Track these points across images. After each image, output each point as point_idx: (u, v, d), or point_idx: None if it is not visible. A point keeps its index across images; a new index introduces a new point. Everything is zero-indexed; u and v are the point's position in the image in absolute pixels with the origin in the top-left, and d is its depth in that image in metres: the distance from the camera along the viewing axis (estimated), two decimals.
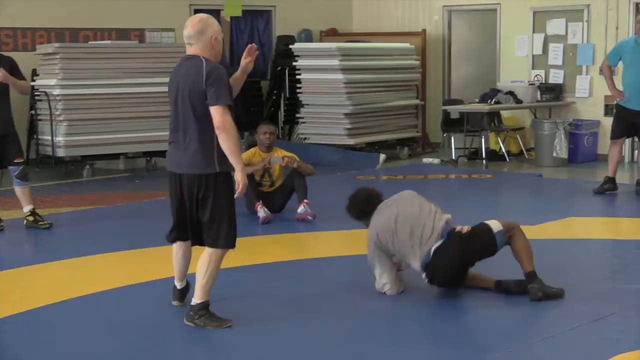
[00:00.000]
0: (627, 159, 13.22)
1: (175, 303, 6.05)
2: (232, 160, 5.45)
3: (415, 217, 6.21)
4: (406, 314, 6.06)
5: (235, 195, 5.54)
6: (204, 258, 5.65)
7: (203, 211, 5.61)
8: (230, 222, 5.63)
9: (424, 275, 6.18)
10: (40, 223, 8.74)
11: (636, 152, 13.09)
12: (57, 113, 12.11)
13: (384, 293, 6.27)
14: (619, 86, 10.45)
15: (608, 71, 10.58)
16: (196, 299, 5.64)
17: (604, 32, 13.38)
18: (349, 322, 5.85)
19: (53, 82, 12.13)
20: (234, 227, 5.66)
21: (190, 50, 5.64)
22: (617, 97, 10.41)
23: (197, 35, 5.58)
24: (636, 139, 11.16)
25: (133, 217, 9.52)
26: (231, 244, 5.68)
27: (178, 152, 5.67)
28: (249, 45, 5.95)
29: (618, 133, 10.49)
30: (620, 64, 10.50)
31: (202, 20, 5.62)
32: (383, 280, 6.27)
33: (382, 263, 6.28)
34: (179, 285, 6.05)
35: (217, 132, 5.42)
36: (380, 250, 6.26)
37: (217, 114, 5.41)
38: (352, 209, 6.56)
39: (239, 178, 5.45)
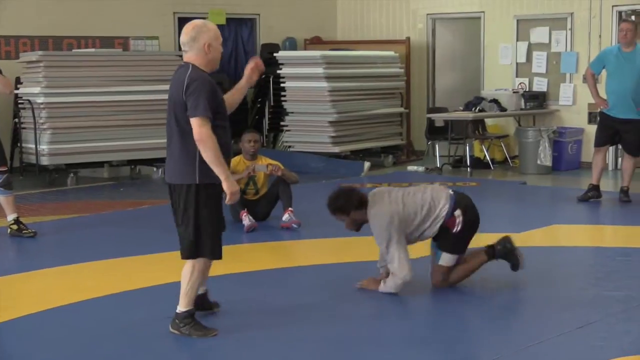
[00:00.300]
0: (611, 166, 13.28)
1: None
2: (216, 170, 5.41)
3: (417, 189, 6.47)
4: (391, 321, 6.07)
5: (226, 202, 5.53)
6: (187, 266, 5.64)
7: (184, 221, 5.58)
8: (213, 233, 5.60)
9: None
10: (25, 232, 8.71)
11: (620, 159, 13.14)
12: (41, 121, 12.08)
13: (399, 284, 6.33)
14: (603, 94, 10.51)
15: (591, 79, 10.64)
16: (180, 307, 5.63)
17: (587, 40, 13.45)
18: (333, 329, 5.84)
19: (37, 90, 12.09)
20: (217, 238, 5.63)
21: (185, 58, 5.62)
22: (601, 105, 10.46)
23: (190, 42, 5.56)
24: (619, 146, 11.20)
25: (117, 225, 9.49)
26: (216, 255, 5.66)
27: (168, 161, 5.66)
28: (256, 60, 5.95)
29: (602, 141, 10.55)
30: (604, 72, 10.55)
31: (196, 27, 5.57)
32: (405, 267, 6.28)
33: (402, 247, 6.29)
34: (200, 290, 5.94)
35: (197, 144, 5.39)
36: (400, 234, 6.29)
37: (195, 125, 5.36)
38: (351, 200, 6.41)
39: (226, 188, 5.43)
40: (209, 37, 5.59)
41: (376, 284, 6.47)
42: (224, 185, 5.43)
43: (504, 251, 6.64)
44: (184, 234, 5.59)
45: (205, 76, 5.55)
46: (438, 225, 6.39)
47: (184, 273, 5.63)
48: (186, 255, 5.63)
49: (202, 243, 5.58)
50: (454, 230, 6.42)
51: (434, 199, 6.41)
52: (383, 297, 6.34)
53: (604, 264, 7.57)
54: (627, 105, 10.22)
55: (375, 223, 6.32)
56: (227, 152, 5.62)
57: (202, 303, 5.92)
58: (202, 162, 5.44)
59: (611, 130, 10.42)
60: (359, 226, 6.51)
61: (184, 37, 5.57)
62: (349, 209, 6.38)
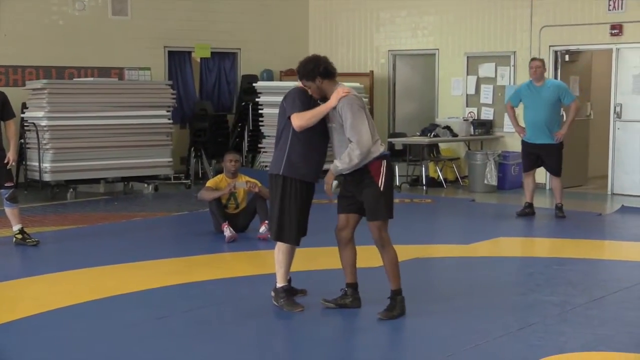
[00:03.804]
0: (548, 185, 13.36)
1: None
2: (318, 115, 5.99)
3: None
4: (344, 323, 6.03)
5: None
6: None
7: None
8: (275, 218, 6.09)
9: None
10: (28, 240, 8.64)
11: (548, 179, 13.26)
12: (44, 142, 12.02)
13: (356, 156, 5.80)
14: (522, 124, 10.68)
15: (511, 111, 10.88)
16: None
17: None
18: (302, 329, 5.85)
19: (41, 114, 12.04)
20: (279, 223, 6.05)
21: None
22: (520, 134, 10.67)
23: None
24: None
25: (112, 235, 9.44)
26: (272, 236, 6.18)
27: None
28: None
29: (527, 166, 10.69)
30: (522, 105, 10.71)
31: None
32: (368, 137, 5.79)
33: (366, 121, 5.84)
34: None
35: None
36: (365, 115, 5.87)
37: None
38: (318, 68, 5.94)
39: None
40: None
41: (330, 174, 6.02)
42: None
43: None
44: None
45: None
46: (372, 156, 5.87)
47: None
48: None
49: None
50: (379, 184, 5.90)
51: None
52: (342, 311, 6.27)
53: (542, 272, 7.61)
54: (543, 132, 10.37)
55: (344, 100, 5.87)
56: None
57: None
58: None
59: (533, 155, 10.55)
60: (322, 96, 6.02)
61: None
62: (314, 75, 5.95)
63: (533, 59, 10.78)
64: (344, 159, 5.87)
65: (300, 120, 5.90)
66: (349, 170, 5.92)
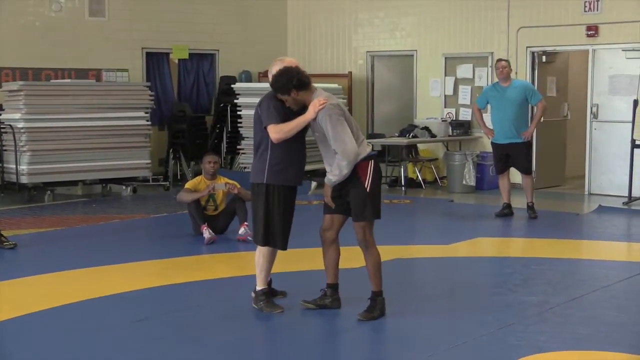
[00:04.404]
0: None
1: None
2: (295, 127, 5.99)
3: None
4: (325, 324, 6.01)
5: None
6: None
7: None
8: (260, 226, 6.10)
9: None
10: (5, 243, 8.56)
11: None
12: (21, 144, 11.92)
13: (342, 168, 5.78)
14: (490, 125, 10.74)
15: (478, 113, 10.96)
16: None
17: None
18: (282, 331, 5.83)
19: (17, 116, 11.94)
20: (265, 230, 6.06)
21: None
22: (488, 135, 10.73)
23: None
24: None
25: (90, 237, 9.38)
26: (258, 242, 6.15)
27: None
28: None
29: (500, 168, 10.75)
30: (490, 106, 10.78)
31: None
32: (353, 144, 5.75)
33: (348, 128, 5.80)
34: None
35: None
36: (345, 121, 5.81)
37: None
38: (291, 81, 5.85)
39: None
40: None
41: (327, 188, 5.98)
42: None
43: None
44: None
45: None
46: (359, 158, 5.84)
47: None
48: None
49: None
50: (365, 185, 5.88)
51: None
52: (322, 312, 6.27)
53: (521, 272, 7.63)
54: (510, 132, 10.45)
55: (322, 112, 5.83)
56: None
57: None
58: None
59: (503, 156, 10.61)
60: (299, 106, 5.95)
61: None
62: (289, 89, 5.86)
63: (499, 60, 10.84)
64: (334, 171, 5.88)
65: (278, 133, 5.91)
66: (344, 178, 5.88)
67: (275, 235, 6.04)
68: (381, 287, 5.98)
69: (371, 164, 5.93)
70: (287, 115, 5.94)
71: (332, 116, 5.81)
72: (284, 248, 6.13)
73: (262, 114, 5.99)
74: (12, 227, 9.66)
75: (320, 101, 5.86)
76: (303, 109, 5.95)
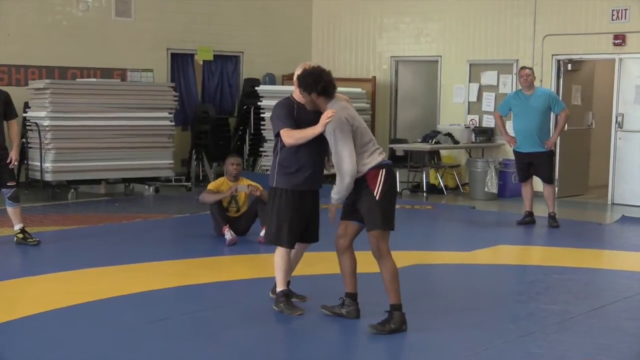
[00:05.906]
0: None
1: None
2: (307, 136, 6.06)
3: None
4: (344, 327, 5.97)
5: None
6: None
7: None
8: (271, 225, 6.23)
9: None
10: (29, 240, 8.63)
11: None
12: (46, 142, 12.00)
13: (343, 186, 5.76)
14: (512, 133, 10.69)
15: (500, 121, 10.89)
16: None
17: None
18: (302, 333, 5.84)
19: (43, 114, 12.03)
20: (276, 229, 6.17)
21: None
22: (510, 143, 10.65)
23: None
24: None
25: (112, 236, 9.43)
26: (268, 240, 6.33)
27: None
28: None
29: (522, 177, 10.69)
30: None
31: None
32: (349, 163, 5.71)
33: (349, 146, 5.76)
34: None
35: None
36: (348, 136, 5.77)
37: None
38: (316, 84, 5.89)
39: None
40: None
41: (332, 205, 5.94)
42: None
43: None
44: None
45: (279, 104, 6.26)
46: (367, 168, 5.80)
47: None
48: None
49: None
50: (375, 193, 5.80)
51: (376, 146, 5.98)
52: (341, 320, 6.25)
53: (542, 281, 7.60)
54: (533, 140, 10.38)
55: (329, 126, 5.81)
56: None
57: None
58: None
59: (526, 165, 10.55)
60: (313, 108, 5.99)
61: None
62: (312, 90, 5.90)
63: (523, 68, 10.77)
64: (336, 189, 5.86)
65: (290, 138, 6.01)
66: (347, 193, 5.84)
67: (281, 233, 6.13)
68: (399, 300, 5.77)
69: (382, 172, 5.84)
70: (296, 119, 6.04)
71: (336, 131, 5.81)
72: (291, 247, 6.20)
73: (273, 121, 6.13)
74: (36, 224, 9.73)
75: (328, 114, 5.83)
76: (316, 112, 5.97)
